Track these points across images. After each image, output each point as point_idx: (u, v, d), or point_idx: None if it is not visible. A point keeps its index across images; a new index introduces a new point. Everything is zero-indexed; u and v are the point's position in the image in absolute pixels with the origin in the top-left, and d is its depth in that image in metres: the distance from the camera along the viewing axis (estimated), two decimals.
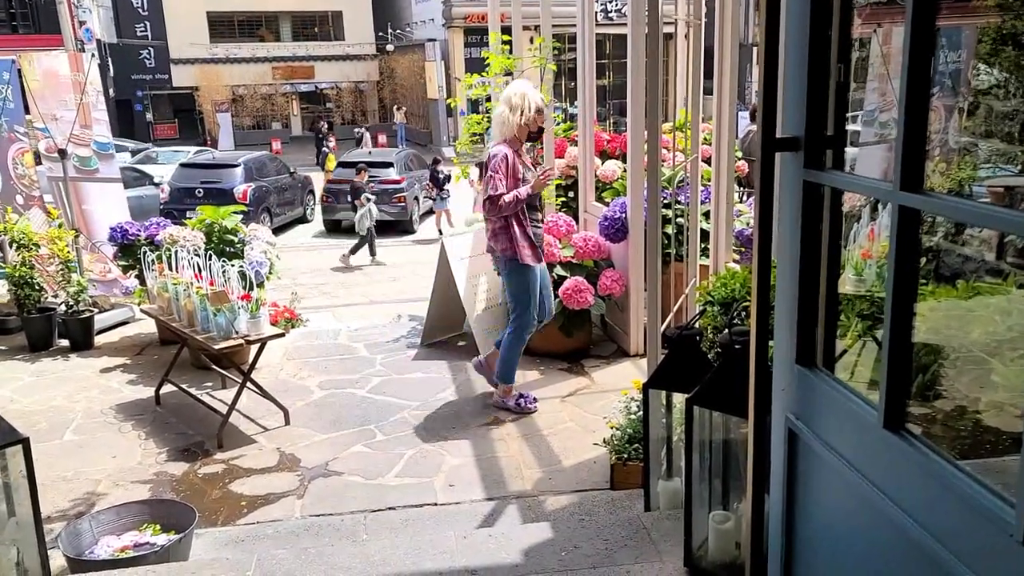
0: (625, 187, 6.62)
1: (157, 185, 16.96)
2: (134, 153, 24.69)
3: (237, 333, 4.90)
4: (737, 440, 2.84)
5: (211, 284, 5.06)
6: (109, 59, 32.19)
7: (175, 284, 5.21)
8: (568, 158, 7.76)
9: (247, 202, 16.12)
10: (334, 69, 37.72)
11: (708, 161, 8.28)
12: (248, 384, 5.21)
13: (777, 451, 2.13)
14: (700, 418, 2.86)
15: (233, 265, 5.11)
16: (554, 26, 7.25)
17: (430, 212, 18.32)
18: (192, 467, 4.69)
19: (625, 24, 5.58)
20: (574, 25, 6.82)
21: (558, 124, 7.96)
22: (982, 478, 1.45)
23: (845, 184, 1.93)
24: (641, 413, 4.25)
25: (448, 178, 16.69)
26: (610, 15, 26.32)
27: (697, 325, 3.46)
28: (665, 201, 6.18)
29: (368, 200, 15.28)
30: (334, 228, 18.05)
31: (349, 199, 16.26)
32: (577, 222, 6.68)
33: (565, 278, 5.95)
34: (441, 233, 17.25)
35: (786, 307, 2.05)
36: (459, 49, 31.88)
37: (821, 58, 1.87)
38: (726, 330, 3.29)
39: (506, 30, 7.57)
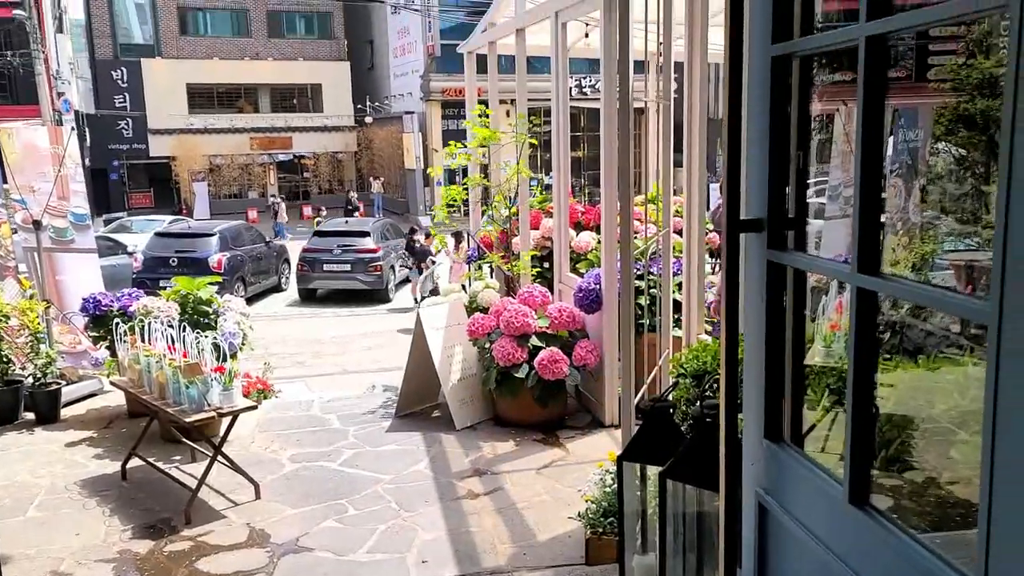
0: (599, 258, 6.73)
1: (130, 254, 16.89)
2: (108, 222, 24.67)
3: (209, 406, 4.85)
4: (711, 514, 2.84)
5: (184, 356, 5.02)
6: (87, 129, 32.37)
7: (147, 356, 5.17)
8: (543, 230, 7.88)
9: (222, 271, 16.07)
10: (312, 139, 38.16)
11: (680, 233, 8.46)
12: (219, 457, 5.13)
13: (748, 525, 2.14)
14: (674, 492, 2.86)
15: (207, 336, 5.09)
16: (529, 100, 7.46)
17: (406, 281, 18.37)
18: (158, 544, 4.58)
19: (599, 99, 5.75)
20: (549, 99, 7.02)
21: (534, 196, 8.11)
22: (943, 553, 1.47)
23: (806, 266, 2.00)
24: (615, 486, 4.25)
25: (427, 252, 16.80)
26: (584, 90, 27.03)
27: (670, 397, 3.49)
28: (638, 273, 6.29)
29: (433, 263, 15.61)
30: (308, 297, 18.02)
31: (411, 263, 16.54)
32: (552, 293, 6.75)
33: (540, 348, 5.98)
34: (417, 302, 17.28)
35: (754, 382, 2.09)
36: (437, 121, 32.45)
37: (782, 142, 1.96)
38: (698, 403, 3.32)
39: (482, 103, 7.79)
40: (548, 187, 13.59)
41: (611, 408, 6.07)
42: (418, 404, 6.71)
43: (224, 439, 5.15)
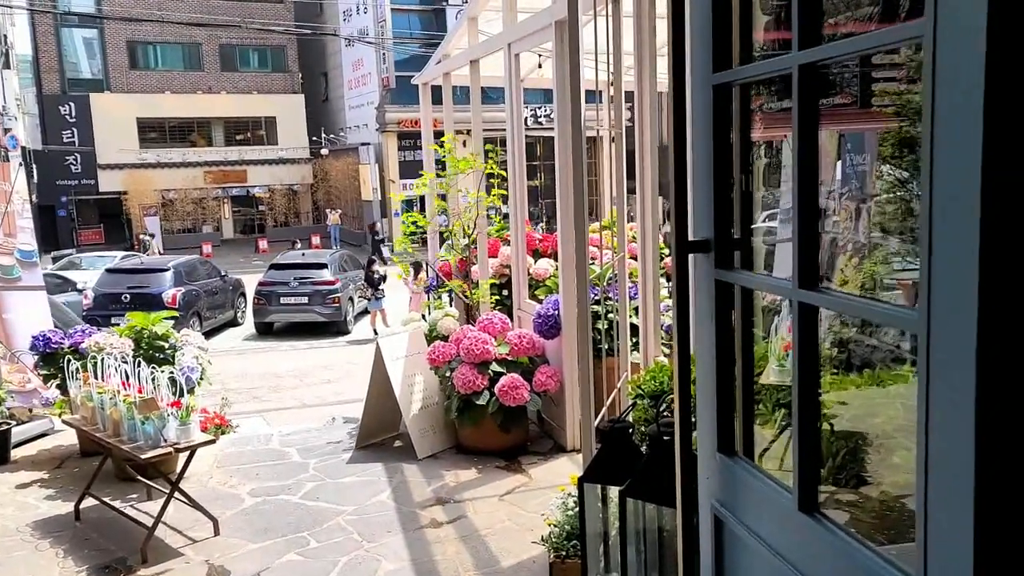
0: (557, 285, 6.81)
1: (80, 291, 16.56)
2: (56, 259, 24.17)
3: (166, 441, 4.78)
4: (671, 531, 2.89)
5: (139, 392, 4.95)
6: (34, 166, 31.80)
7: (100, 393, 5.09)
8: (502, 257, 7.95)
9: (176, 307, 15.84)
10: (267, 172, 37.90)
11: (634, 257, 8.60)
12: (176, 494, 5.04)
13: (705, 538, 2.20)
14: (634, 510, 2.91)
15: (163, 371, 5.02)
16: (485, 130, 7.57)
17: (365, 312, 18.28)
18: None
19: (549, 129, 5.86)
20: (501, 129, 7.13)
21: (492, 225, 8.19)
22: (888, 555, 1.54)
23: (752, 283, 2.08)
24: (577, 508, 4.29)
25: (383, 278, 16.77)
26: (539, 120, 27.38)
27: (629, 418, 3.55)
28: (596, 298, 6.37)
29: (382, 292, 16.37)
30: (265, 330, 17.81)
31: (369, 294, 16.71)
32: (512, 319, 6.80)
33: (501, 375, 6.01)
34: (376, 333, 17.19)
35: (707, 398, 2.15)
36: (393, 152, 32.51)
37: (726, 165, 2.04)
38: (655, 423, 3.38)
39: (438, 134, 7.87)
40: (506, 216, 13.76)
41: (572, 432, 6.11)
42: (379, 435, 6.68)
43: (181, 475, 5.08)
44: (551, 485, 5.48)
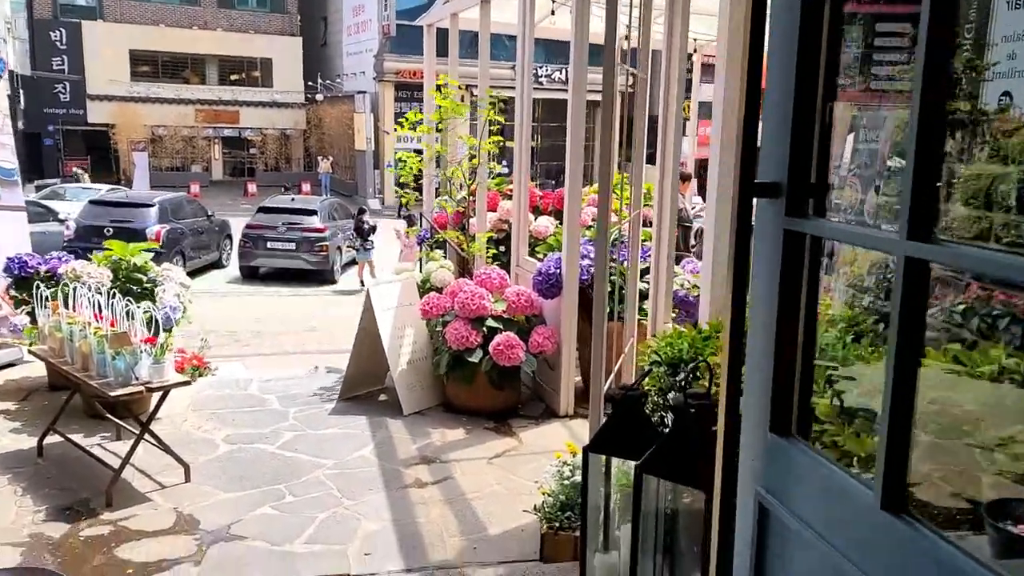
0: (559, 243, 6.49)
1: (62, 222, 16.09)
2: (40, 188, 23.58)
3: (137, 379, 4.46)
4: (688, 512, 2.62)
5: (112, 325, 4.62)
6: (21, 91, 30.93)
7: (70, 323, 4.75)
8: (501, 212, 7.62)
9: (160, 244, 15.44)
10: (260, 115, 37.13)
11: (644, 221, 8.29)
12: (146, 436, 4.74)
13: (744, 528, 1.92)
14: (650, 487, 2.63)
15: (139, 306, 4.69)
16: (488, 85, 7.18)
17: (353, 263, 17.93)
18: (74, 528, 4.19)
19: (555, 90, 5.51)
20: (505, 87, 6.77)
21: (492, 177, 7.84)
22: (993, 565, 1.26)
23: (839, 234, 1.77)
24: (575, 478, 4.02)
25: (373, 228, 16.40)
26: (540, 80, 26.77)
27: (643, 386, 3.26)
28: None
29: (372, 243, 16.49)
30: (251, 275, 17.45)
31: (358, 244, 16.39)
32: (509, 276, 6.49)
33: (496, 332, 5.71)
34: (363, 284, 16.86)
35: (759, 369, 1.86)
36: (389, 103, 31.87)
37: (808, 92, 1.72)
38: (677, 392, 3.11)
39: (438, 88, 7.45)
40: (501, 174, 13.35)
41: (567, 398, 5.85)
42: (364, 387, 6.39)
43: (152, 416, 4.77)
44: (543, 451, 5.23)
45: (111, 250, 6.06)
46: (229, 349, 11.94)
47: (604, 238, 3.43)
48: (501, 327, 5.74)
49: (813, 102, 1.74)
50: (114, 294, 4.83)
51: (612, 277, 6.01)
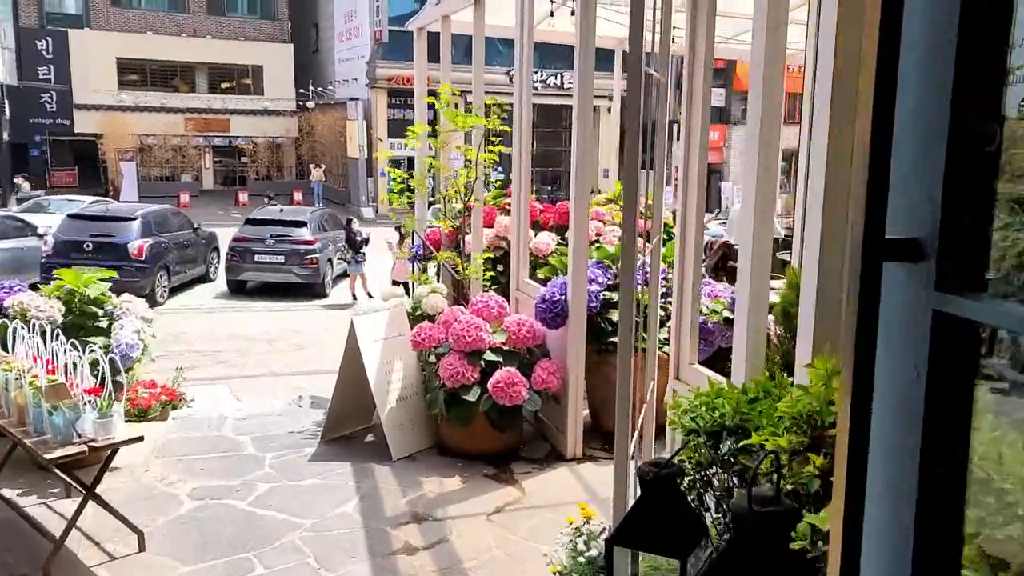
0: (563, 264, 5.90)
1: (41, 236, 15.45)
2: (21, 200, 22.94)
3: (80, 437, 3.85)
4: None
5: (51, 372, 4.01)
6: (6, 101, 30.31)
7: (5, 370, 4.13)
8: (498, 228, 7.03)
9: (143, 259, 14.87)
10: (250, 123, 36.53)
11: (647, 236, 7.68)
12: (94, 498, 4.13)
13: None
14: None
15: (91, 346, 4.08)
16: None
17: (344, 275, 17.35)
18: None
19: (549, 94, 4.94)
20: (498, 92, 6.18)
21: (488, 186, 7.25)
22: None
23: None
24: (590, 552, 3.44)
25: (365, 240, 15.81)
26: (534, 84, 26.25)
27: (670, 451, 2.66)
28: (609, 282, 5.49)
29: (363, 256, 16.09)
30: (238, 289, 16.84)
31: (349, 256, 15.92)
32: (508, 302, 5.89)
33: (495, 367, 5.11)
34: (355, 298, 16.26)
35: (887, 504, 1.26)
36: (382, 109, 31.36)
37: (969, 108, 1.13)
38: (721, 470, 2.51)
39: (432, 93, 6.86)
40: (499, 183, 12.69)
41: (574, 438, 5.25)
42: (349, 426, 5.78)
43: (99, 479, 4.13)
44: (549, 503, 4.64)
45: (62, 280, 5.43)
46: (212, 370, 11.35)
47: (630, 263, 2.83)
48: (501, 361, 5.14)
49: (979, 123, 1.14)
50: (57, 334, 4.22)
51: None
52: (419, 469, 5.16)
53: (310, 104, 36.02)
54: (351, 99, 31.59)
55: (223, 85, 37.10)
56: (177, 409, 7.27)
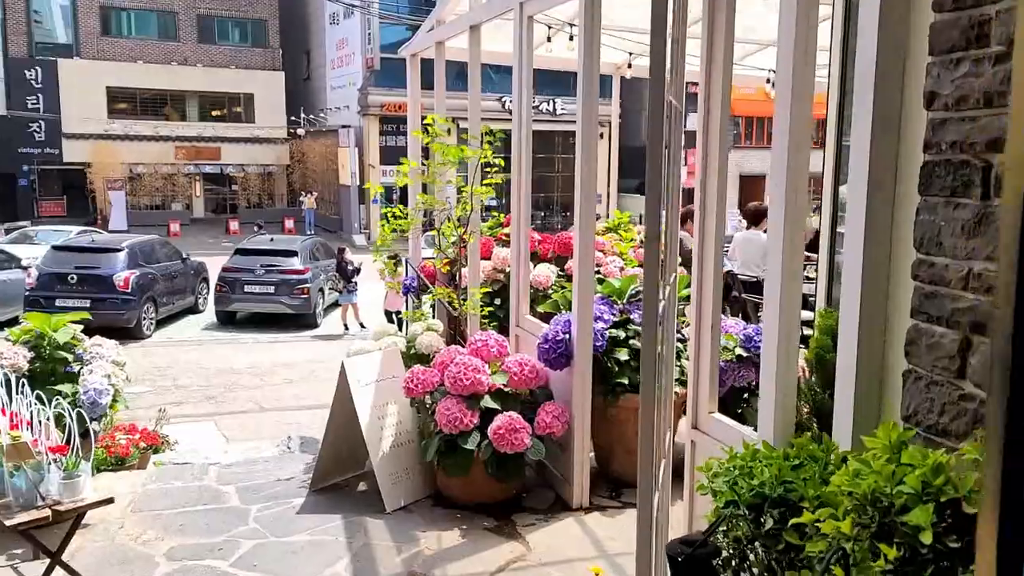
0: (566, 299, 5.60)
1: (24, 269, 15.10)
2: (9, 231, 22.59)
3: (44, 499, 3.51)
4: None
5: (14, 427, 3.68)
6: None
7: None
8: (495, 260, 6.73)
9: (128, 291, 14.55)
10: (241, 151, 36.33)
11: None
12: (60, 565, 3.78)
13: None
14: None
15: (56, 400, 3.75)
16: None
17: (336, 305, 17.04)
18: None
19: (541, 121, 4.67)
20: (491, 119, 5.91)
21: (485, 221, 6.97)
22: None
23: None
24: None
25: (357, 270, 15.52)
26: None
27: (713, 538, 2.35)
28: (615, 319, 5.19)
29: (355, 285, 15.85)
30: (227, 320, 16.53)
31: (340, 286, 15.72)
32: (508, 339, 5.58)
33: (495, 412, 4.79)
34: (347, 328, 15.94)
35: None
36: (374, 137, 31.21)
37: None
38: (763, 543, 2.20)
39: (425, 129, 6.58)
40: (489, 208, 12.38)
41: (580, 487, 4.92)
42: (340, 473, 5.44)
43: (64, 546, 3.78)
44: (555, 560, 4.30)
45: (29, 324, 5.09)
46: (200, 406, 11.03)
47: (653, 306, 2.52)
48: (500, 406, 4.82)
49: None
50: (23, 384, 3.89)
51: (631, 340, 5.13)
52: (415, 522, 4.82)
53: (301, 132, 35.89)
54: (343, 126, 31.47)
55: (214, 113, 36.94)
56: (160, 453, 6.94)
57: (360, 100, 31.10)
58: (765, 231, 7.88)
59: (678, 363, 5.13)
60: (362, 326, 15.95)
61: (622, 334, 5.08)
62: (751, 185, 35.97)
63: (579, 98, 4.75)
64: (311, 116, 35.62)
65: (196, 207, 37.10)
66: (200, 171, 36.42)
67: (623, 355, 5.00)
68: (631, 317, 5.21)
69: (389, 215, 6.13)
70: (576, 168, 4.82)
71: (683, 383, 5.07)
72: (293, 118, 36.25)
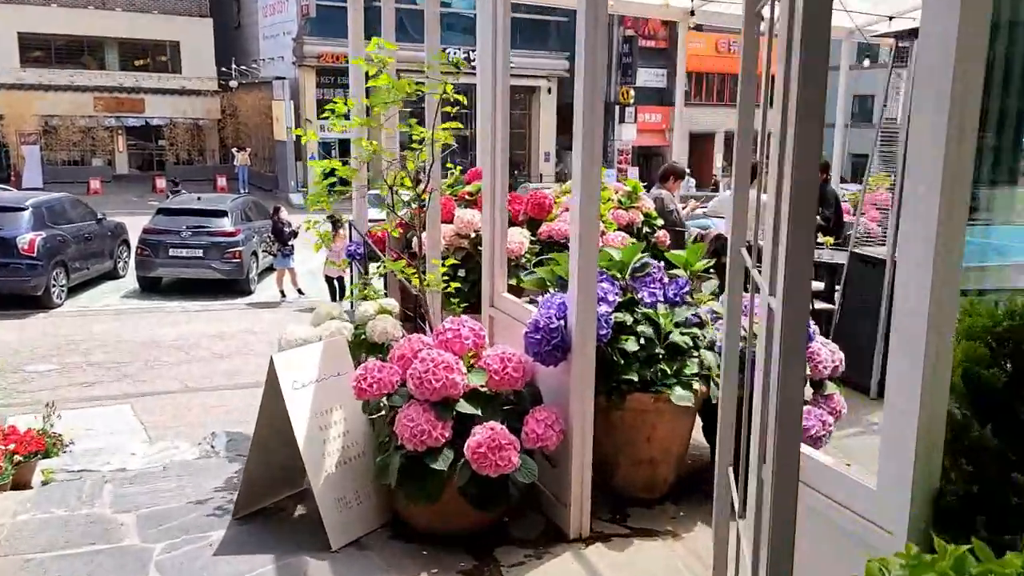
0: (552, 273, 4.52)
1: None
2: None
3: None
4: None
5: None
6: None
7: None
8: (458, 224, 5.61)
9: (34, 255, 13.02)
10: (168, 103, 34.06)
11: (628, 228, 6.33)
12: None
13: None
14: None
15: None
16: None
17: (271, 269, 15.74)
18: None
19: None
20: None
21: (445, 178, 5.81)
22: None
23: None
24: None
25: (294, 233, 14.21)
26: (474, 63, 24.76)
27: None
28: (619, 300, 4.14)
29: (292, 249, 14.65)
30: (151, 287, 15.11)
31: (275, 248, 14.43)
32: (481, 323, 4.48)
33: (472, 421, 3.72)
34: (284, 295, 14.67)
35: None
36: (311, 89, 29.54)
37: None
38: None
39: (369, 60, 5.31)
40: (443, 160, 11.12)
41: (580, 512, 3.89)
42: (272, 495, 4.31)
43: None
44: None
45: None
46: (113, 387, 9.75)
47: (737, 287, 1.48)
48: (479, 412, 3.74)
49: None
50: None
51: (639, 327, 4.10)
52: (368, 563, 3.73)
53: (233, 83, 33.83)
54: (277, 78, 29.70)
55: (136, 62, 34.51)
56: (50, 457, 5.74)
57: (295, 50, 29.31)
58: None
59: (696, 353, 4.14)
60: (300, 292, 14.70)
61: (629, 318, 4.04)
62: (701, 143, 35.24)
63: (581, 48, 3.63)
64: (243, 67, 33.55)
65: (119, 163, 34.84)
66: (123, 124, 34.12)
67: (630, 345, 3.96)
68: (637, 297, 4.17)
69: (318, 170, 4.76)
70: (577, 127, 3.68)
71: (704, 378, 4.09)
72: (224, 69, 34.12)
